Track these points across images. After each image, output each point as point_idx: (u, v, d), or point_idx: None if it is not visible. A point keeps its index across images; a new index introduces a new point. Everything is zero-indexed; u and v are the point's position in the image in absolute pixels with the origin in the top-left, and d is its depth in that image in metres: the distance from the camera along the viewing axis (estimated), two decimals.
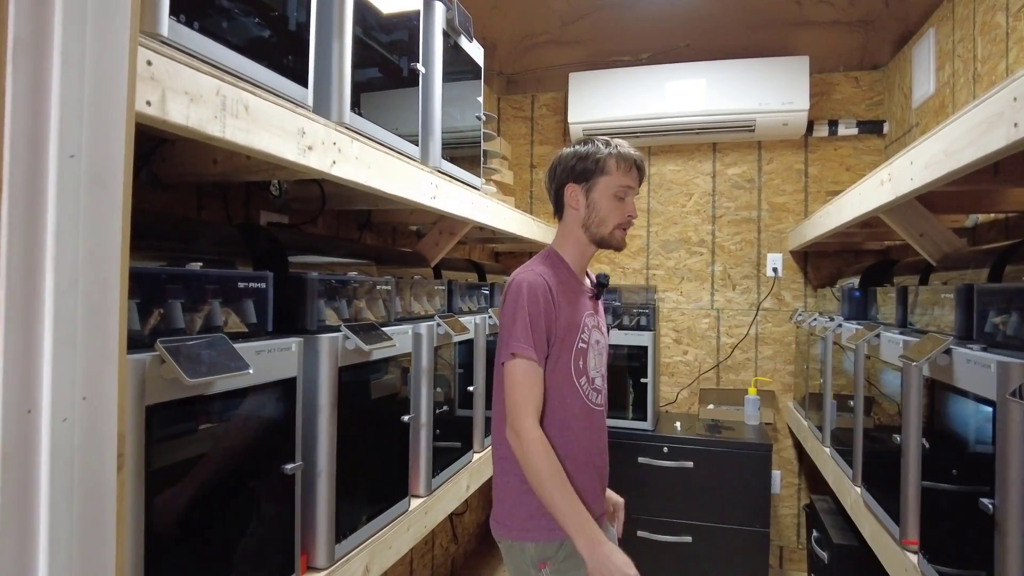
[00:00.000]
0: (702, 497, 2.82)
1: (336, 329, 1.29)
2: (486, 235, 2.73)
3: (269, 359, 1.07)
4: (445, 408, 1.83)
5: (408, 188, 1.54)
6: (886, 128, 3.06)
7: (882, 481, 1.57)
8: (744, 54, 3.04)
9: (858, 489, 1.76)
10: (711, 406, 3.25)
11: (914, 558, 1.33)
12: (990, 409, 1.01)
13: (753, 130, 3.10)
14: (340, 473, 1.26)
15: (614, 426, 2.92)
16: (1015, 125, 0.92)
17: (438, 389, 1.76)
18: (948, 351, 1.15)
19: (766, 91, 2.98)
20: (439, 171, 1.71)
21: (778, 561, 3.25)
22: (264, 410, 1.09)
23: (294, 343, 1.14)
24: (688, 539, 2.82)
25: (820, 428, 2.34)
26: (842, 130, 3.13)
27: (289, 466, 1.11)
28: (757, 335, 3.29)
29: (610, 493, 1.72)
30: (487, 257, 3.54)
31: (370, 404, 1.44)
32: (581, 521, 1.34)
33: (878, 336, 1.65)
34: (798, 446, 3.20)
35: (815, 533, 2.19)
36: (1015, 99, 0.92)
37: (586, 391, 1.49)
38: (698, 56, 3.11)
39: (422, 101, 1.65)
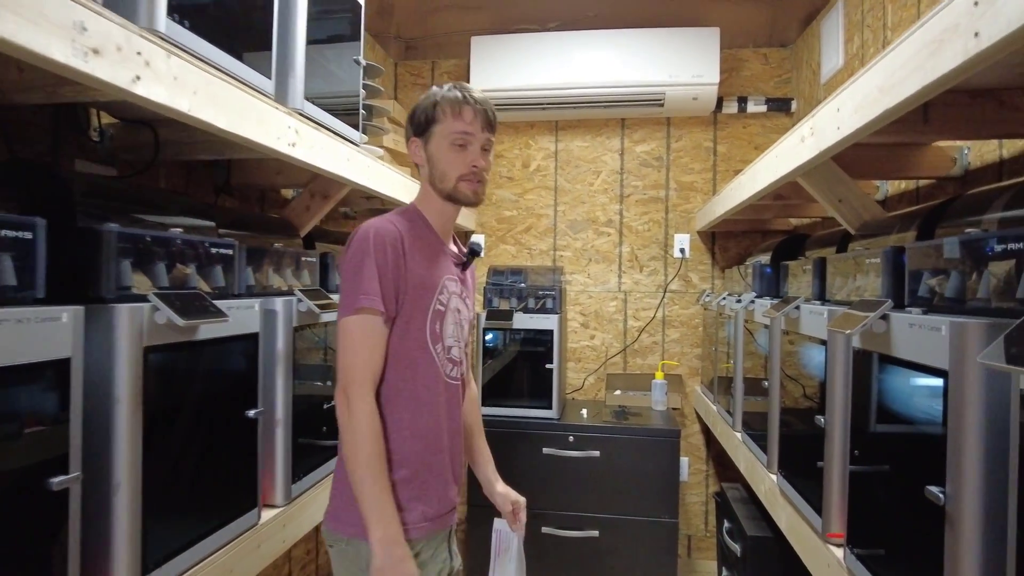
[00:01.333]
0: (609, 488, 2.67)
1: (144, 299, 0.99)
2: (377, 205, 2.44)
3: (15, 333, 0.76)
4: (315, 401, 1.55)
5: (256, 129, 1.24)
6: (794, 106, 3.01)
7: (801, 468, 1.43)
8: (654, 24, 2.89)
9: (773, 477, 1.63)
10: (618, 391, 3.11)
11: (839, 552, 1.18)
12: (934, 382, 0.85)
13: (662, 104, 2.96)
14: (151, 485, 0.97)
15: (517, 416, 2.72)
16: (975, 35, 0.75)
17: (304, 380, 1.48)
18: (885, 317, 0.99)
19: (676, 63, 2.85)
20: (301, 114, 1.42)
21: (686, 551, 3.17)
22: (19, 403, 0.79)
23: (66, 313, 0.84)
24: (595, 533, 2.66)
25: (730, 412, 2.22)
26: (751, 107, 3.05)
27: (58, 479, 0.81)
28: (664, 318, 3.18)
29: (509, 491, 1.55)
30: None
31: (202, 396, 1.14)
32: (388, 516, 1.17)
33: (798, 308, 1.50)
34: (706, 431, 3.12)
35: (726, 524, 2.07)
36: (976, 3, 0.75)
37: (441, 360, 1.31)
38: (608, 24, 2.94)
39: (278, 25, 1.36)
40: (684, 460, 3.14)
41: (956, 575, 0.79)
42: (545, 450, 2.68)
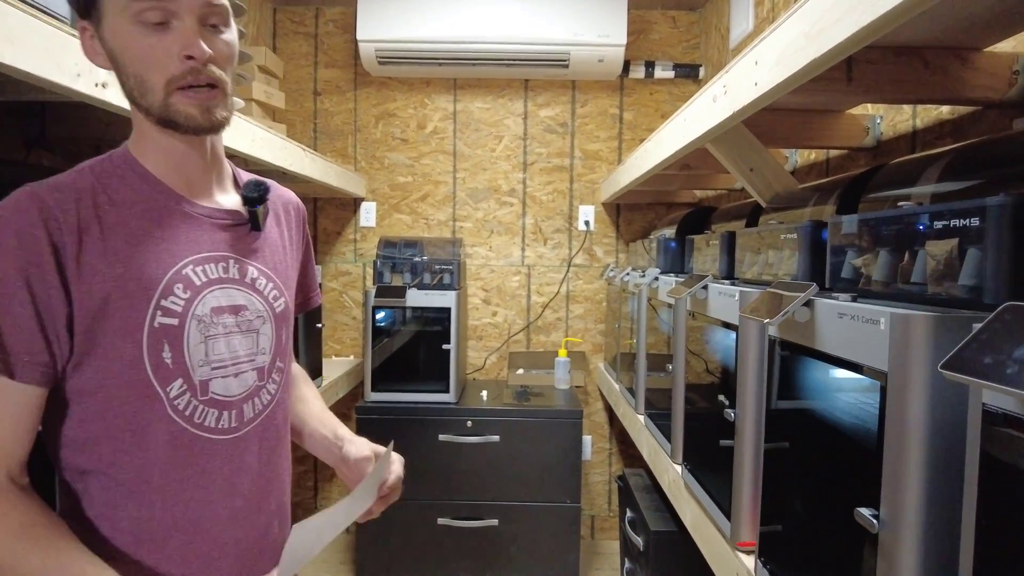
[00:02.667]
0: (510, 474, 2.52)
1: None
2: (254, 169, 2.12)
3: None
4: None
5: (41, 61, 0.95)
6: (702, 73, 2.90)
7: (709, 462, 1.32)
8: None
9: (678, 468, 1.51)
10: (520, 371, 2.97)
11: (750, 562, 1.06)
12: (869, 383, 0.72)
13: (567, 66, 2.78)
14: None
15: (412, 401, 2.52)
16: None
17: None
18: (809, 303, 0.84)
19: (582, 21, 2.66)
20: None
21: (590, 531, 3.10)
22: None
23: None
24: (495, 522, 2.52)
25: (633, 392, 2.11)
26: (659, 72, 2.93)
27: None
28: (568, 293, 3.05)
29: (364, 449, 1.03)
30: None
31: None
32: None
33: (705, 288, 1.35)
34: (609, 409, 3.03)
35: (628, 513, 1.98)
36: None
37: (189, 407, 0.82)
38: None
39: None
40: (587, 439, 3.05)
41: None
42: (442, 437, 2.50)
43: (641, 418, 1.99)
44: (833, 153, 1.71)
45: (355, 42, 2.76)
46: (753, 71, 1.05)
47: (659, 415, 1.77)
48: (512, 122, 3.03)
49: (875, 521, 0.68)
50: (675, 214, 2.54)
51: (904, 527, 0.65)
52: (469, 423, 2.50)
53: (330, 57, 3.00)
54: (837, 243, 0.95)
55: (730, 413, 1.12)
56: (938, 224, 0.74)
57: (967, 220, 0.69)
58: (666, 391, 1.62)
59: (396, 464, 1.02)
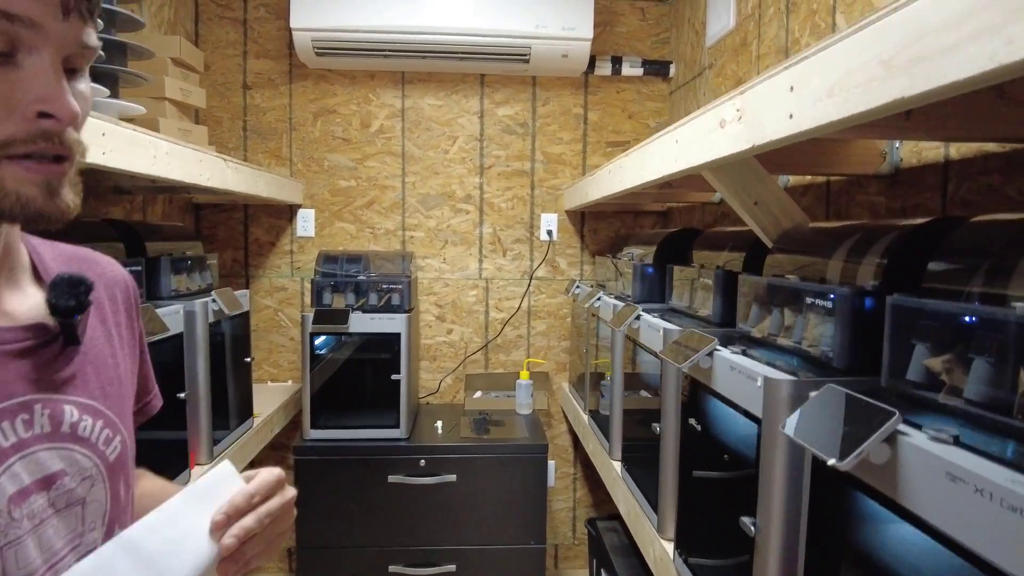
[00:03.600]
0: (468, 516, 2.28)
1: None
2: (164, 184, 1.79)
3: None
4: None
5: None
6: (672, 70, 2.68)
7: (718, 549, 1.10)
8: None
9: (669, 550, 1.30)
10: (479, 394, 2.72)
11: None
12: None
13: (528, 60, 2.51)
14: None
15: (356, 439, 2.25)
16: None
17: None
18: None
19: (545, 11, 2.40)
20: None
21: (554, 562, 2.89)
22: None
23: None
24: (451, 568, 2.28)
25: (604, 432, 1.89)
26: (626, 69, 2.69)
27: None
28: (530, 308, 2.81)
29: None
30: (181, 214, 2.56)
31: None
32: None
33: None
34: (573, 432, 2.82)
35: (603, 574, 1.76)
36: None
37: None
38: None
39: None
40: (551, 464, 2.83)
41: None
42: (391, 478, 2.23)
43: (617, 467, 1.77)
44: (835, 177, 1.50)
45: (289, 30, 2.43)
46: (787, 99, 0.81)
47: (641, 471, 1.56)
48: (467, 121, 2.75)
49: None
50: (649, 231, 2.32)
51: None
52: (422, 462, 2.25)
53: (261, 47, 2.65)
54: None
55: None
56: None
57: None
58: (651, 443, 1.40)
59: (251, 483, 0.66)
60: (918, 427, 0.62)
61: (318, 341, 2.28)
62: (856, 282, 0.93)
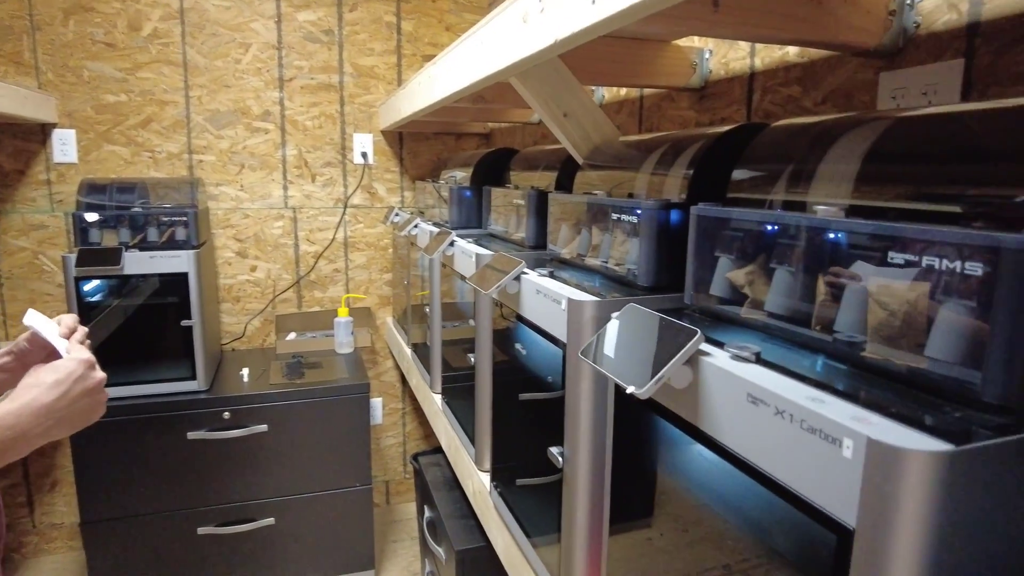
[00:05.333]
0: (285, 465, 2.11)
1: None
2: None
3: None
4: None
5: None
6: None
7: (527, 478, 1.06)
8: None
9: (485, 481, 1.24)
10: (292, 335, 2.50)
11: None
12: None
13: None
14: None
15: (145, 395, 1.97)
16: None
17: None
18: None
19: None
20: None
21: (385, 498, 2.82)
22: None
23: None
24: (270, 521, 2.12)
25: (426, 365, 1.79)
26: None
27: None
28: (346, 239, 2.60)
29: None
30: None
31: None
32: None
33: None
34: (400, 368, 2.71)
35: (427, 512, 1.70)
36: None
37: None
38: None
39: None
40: (377, 402, 2.72)
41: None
42: (191, 435, 1.99)
43: (438, 400, 1.69)
44: (648, 90, 1.47)
45: None
46: None
47: (460, 404, 1.48)
48: (261, 26, 2.39)
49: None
50: (468, 153, 2.19)
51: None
52: (227, 414, 2.02)
53: None
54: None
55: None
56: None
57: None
58: (470, 375, 1.33)
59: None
60: (721, 345, 0.57)
61: (89, 287, 1.92)
62: (662, 195, 0.88)
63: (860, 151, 0.59)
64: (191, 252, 1.95)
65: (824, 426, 0.42)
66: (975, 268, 0.42)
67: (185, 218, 1.99)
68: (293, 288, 2.55)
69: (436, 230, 1.62)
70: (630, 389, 0.55)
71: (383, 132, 2.57)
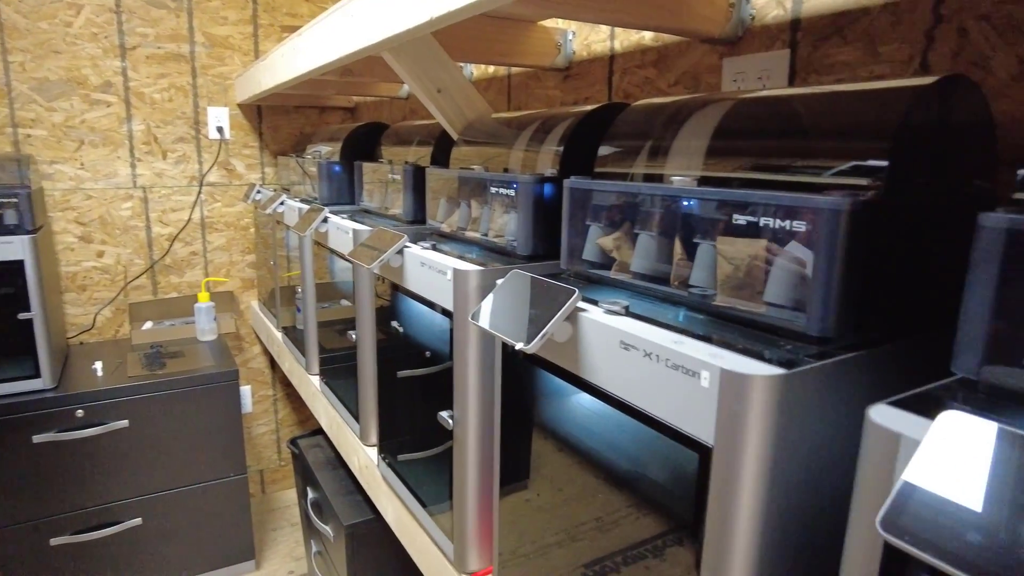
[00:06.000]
0: (150, 461, 1.99)
1: None
2: None
3: None
4: None
5: None
6: None
7: (412, 448, 1.09)
8: None
9: (373, 456, 1.26)
10: (148, 324, 2.34)
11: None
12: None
13: None
14: None
15: None
16: None
17: None
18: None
19: None
20: None
21: (260, 487, 2.73)
22: None
23: None
24: (138, 521, 1.99)
25: (300, 347, 1.76)
26: None
27: None
28: (203, 220, 2.45)
29: None
30: None
31: None
32: None
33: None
34: (269, 352, 2.62)
35: (310, 494, 1.68)
36: None
37: None
38: None
39: None
40: (246, 390, 2.62)
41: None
42: (37, 438, 1.82)
43: (316, 381, 1.67)
44: (515, 69, 1.52)
45: None
46: None
47: (340, 383, 1.48)
48: None
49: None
50: (335, 126, 2.14)
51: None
52: (80, 412, 1.86)
53: None
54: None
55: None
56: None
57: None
58: (350, 353, 1.33)
59: None
60: (595, 302, 0.63)
61: None
62: (536, 170, 0.93)
63: (708, 129, 0.68)
64: (26, 238, 1.76)
65: (685, 362, 0.49)
66: (799, 226, 0.51)
67: (16, 199, 1.79)
68: (147, 274, 2.38)
69: (306, 207, 1.59)
70: (519, 345, 0.60)
71: (240, 106, 2.44)
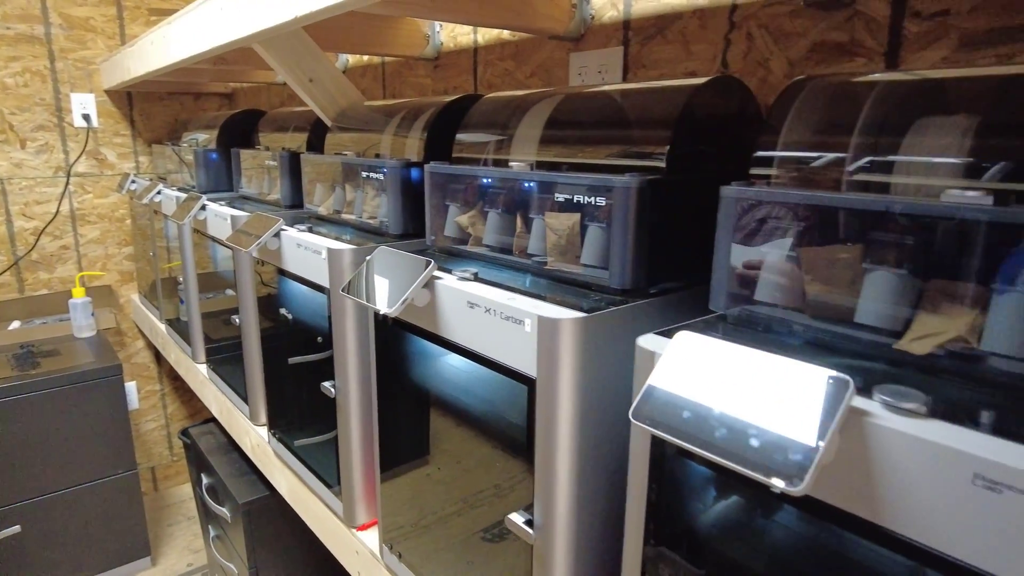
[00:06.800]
0: (27, 466, 1.92)
1: None
2: None
3: None
4: None
5: None
6: None
7: (300, 423, 1.16)
8: None
9: (263, 433, 1.31)
10: (16, 324, 2.23)
11: (369, 540, 0.99)
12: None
13: None
14: None
15: None
16: None
17: None
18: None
19: None
20: None
21: (152, 485, 2.66)
22: None
23: None
24: (16, 529, 1.92)
25: (185, 336, 1.76)
26: None
27: None
28: (73, 212, 2.35)
29: None
30: None
31: None
32: None
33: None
34: (154, 346, 2.55)
35: (204, 480, 1.69)
36: None
37: None
38: None
39: None
40: (131, 386, 2.54)
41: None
42: None
43: (203, 369, 1.68)
44: (389, 58, 1.58)
45: None
46: None
47: (227, 368, 1.51)
48: None
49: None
50: (211, 113, 2.11)
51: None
52: None
53: None
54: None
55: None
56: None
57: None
58: (236, 339, 1.36)
59: None
60: (450, 271, 0.73)
61: None
62: (404, 155, 1.02)
63: (542, 120, 0.79)
64: None
65: (514, 314, 0.60)
66: (602, 201, 0.63)
67: None
68: (11, 271, 2.25)
69: (183, 195, 1.59)
70: (383, 310, 0.69)
71: (108, 92, 2.34)
